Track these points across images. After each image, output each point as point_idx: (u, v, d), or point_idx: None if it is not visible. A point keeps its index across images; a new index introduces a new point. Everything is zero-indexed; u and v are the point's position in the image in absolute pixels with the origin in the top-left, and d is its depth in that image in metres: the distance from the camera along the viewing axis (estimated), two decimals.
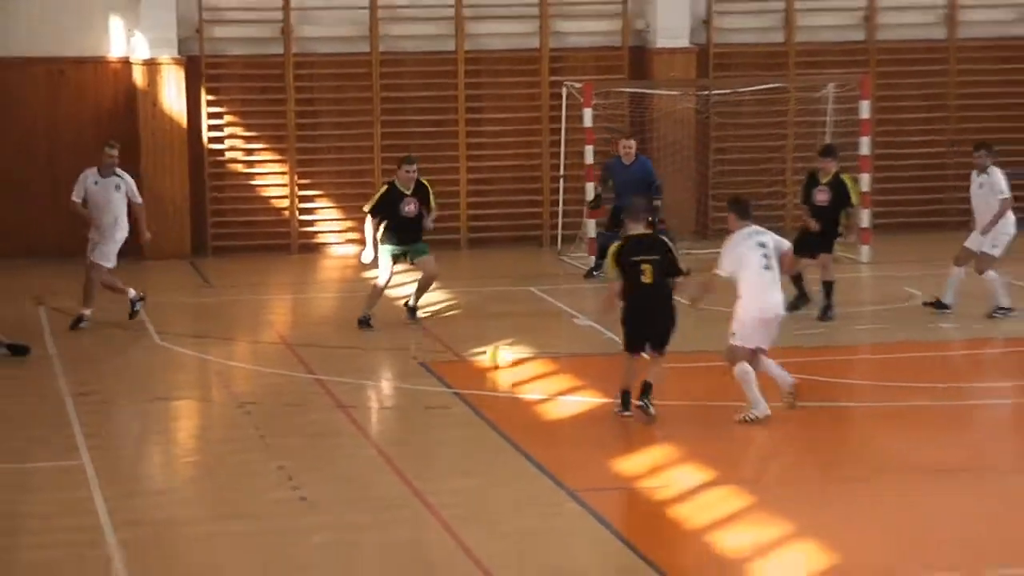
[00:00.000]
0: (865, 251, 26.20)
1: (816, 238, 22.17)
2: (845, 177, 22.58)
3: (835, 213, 22.26)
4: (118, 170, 22.42)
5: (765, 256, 17.07)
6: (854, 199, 22.54)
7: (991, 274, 22.09)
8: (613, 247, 17.36)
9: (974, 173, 22.64)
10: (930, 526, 14.23)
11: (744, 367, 16.95)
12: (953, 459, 16.05)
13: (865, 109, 26.62)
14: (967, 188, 29.21)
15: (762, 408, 16.87)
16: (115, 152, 22.41)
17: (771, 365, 17.18)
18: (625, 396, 17.20)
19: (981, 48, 29.70)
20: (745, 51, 29.17)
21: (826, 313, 22.02)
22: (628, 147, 25.37)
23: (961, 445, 16.55)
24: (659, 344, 17.26)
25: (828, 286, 22.12)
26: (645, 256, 17.06)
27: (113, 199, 22.21)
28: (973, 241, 22.38)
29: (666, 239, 17.75)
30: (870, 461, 16.15)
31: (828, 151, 23.01)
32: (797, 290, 22.19)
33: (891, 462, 15.94)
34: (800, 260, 21.85)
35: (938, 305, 22.25)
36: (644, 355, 17.36)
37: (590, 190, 26.13)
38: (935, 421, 17.44)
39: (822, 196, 22.34)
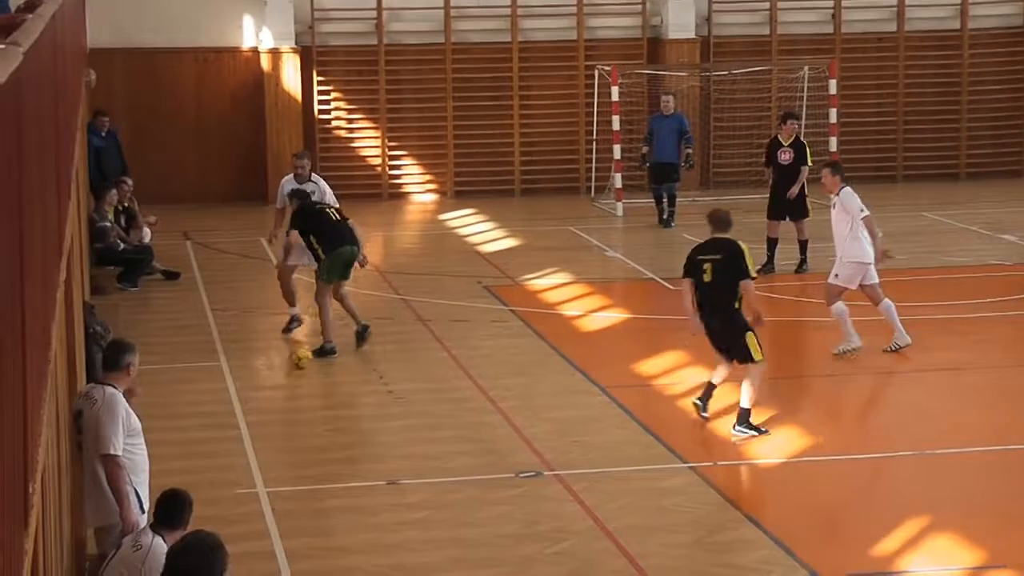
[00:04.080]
0: (833, 198, 25.80)
1: (791, 203, 20.25)
2: (804, 140, 21.06)
3: (796, 170, 20.42)
4: (314, 175, 18.13)
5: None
6: (809, 160, 20.62)
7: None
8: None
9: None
10: (883, 416, 14.04)
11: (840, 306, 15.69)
12: (904, 363, 15.83)
13: (833, 87, 26.25)
14: (917, 152, 29.17)
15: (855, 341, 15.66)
16: (304, 162, 18.02)
17: None
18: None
19: (924, 39, 29.24)
20: (738, 41, 28.87)
21: (801, 267, 20.34)
22: (667, 101, 25.04)
23: (912, 352, 16.27)
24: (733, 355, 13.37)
25: (804, 244, 20.44)
26: (709, 256, 13.43)
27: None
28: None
29: (739, 244, 13.53)
30: (843, 363, 15.90)
31: (790, 115, 21.37)
32: (769, 255, 20.25)
33: (852, 365, 15.70)
34: (779, 224, 20.32)
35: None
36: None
37: (617, 151, 25.88)
38: (890, 332, 17.19)
39: (786, 156, 20.50)
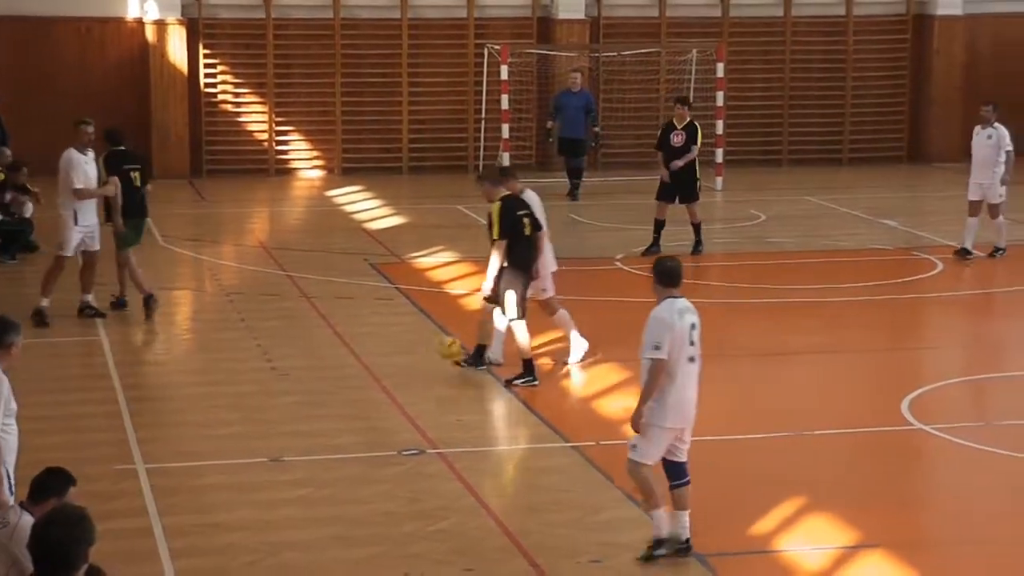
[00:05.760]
0: (719, 181, 26.10)
1: (681, 187, 20.38)
2: (696, 124, 20.98)
3: (687, 151, 20.36)
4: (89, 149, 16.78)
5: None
6: (699, 141, 20.57)
7: (1002, 219, 20.00)
8: (497, 206, 14.16)
9: (978, 127, 20.18)
10: (760, 397, 14.21)
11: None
12: (782, 345, 16.03)
13: (720, 70, 26.50)
14: (802, 136, 29.50)
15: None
16: (92, 128, 16.81)
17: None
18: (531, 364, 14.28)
19: (810, 24, 29.59)
20: (628, 23, 28.99)
21: (697, 249, 20.39)
22: (575, 79, 25.25)
23: (791, 334, 16.51)
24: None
25: (697, 227, 20.47)
26: (526, 211, 14.29)
27: (93, 177, 16.70)
28: (975, 192, 20.05)
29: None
30: (726, 345, 16.04)
31: (684, 100, 21.47)
32: (655, 237, 20.33)
33: (731, 346, 15.86)
34: (667, 206, 20.32)
35: (963, 252, 20.01)
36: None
37: (505, 130, 25.96)
38: (770, 314, 17.41)
39: (678, 138, 20.53)
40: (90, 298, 16.74)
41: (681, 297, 10.06)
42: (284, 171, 28.00)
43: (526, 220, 14.15)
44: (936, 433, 12.82)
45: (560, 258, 19.91)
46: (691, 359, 9.95)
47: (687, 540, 10.08)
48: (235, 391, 14.10)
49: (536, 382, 14.14)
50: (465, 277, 19.04)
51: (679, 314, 9.90)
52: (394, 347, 15.70)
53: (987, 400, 14.51)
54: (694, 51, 27.76)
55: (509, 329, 14.37)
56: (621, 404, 13.57)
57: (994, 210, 20.10)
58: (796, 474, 11.84)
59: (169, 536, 10.46)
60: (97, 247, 16.75)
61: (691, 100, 22.08)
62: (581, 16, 28.44)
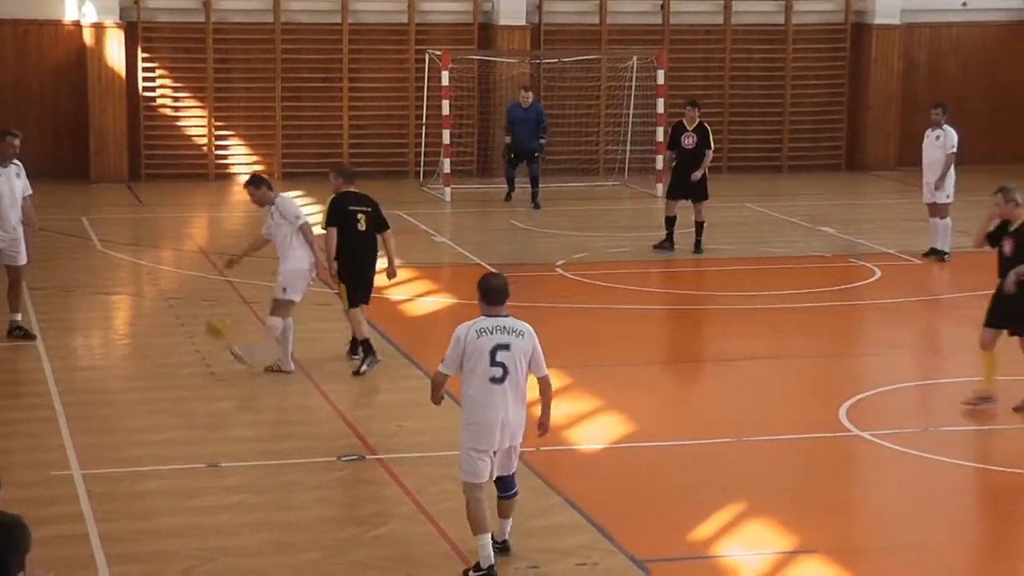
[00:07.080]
0: (660, 188, 26.17)
1: (693, 185, 20.89)
2: (706, 125, 21.34)
3: (700, 154, 20.95)
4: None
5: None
6: (712, 144, 21.17)
7: (948, 221, 20.34)
8: (330, 199, 14.70)
9: (928, 130, 20.71)
10: (698, 403, 14.25)
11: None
12: (721, 352, 16.10)
13: (660, 77, 26.59)
14: (741, 144, 29.65)
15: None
16: (18, 141, 15.72)
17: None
18: (362, 344, 14.73)
19: (750, 32, 29.77)
20: (568, 29, 29.08)
21: (698, 247, 21.02)
22: (526, 96, 25.55)
23: (729, 340, 16.58)
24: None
25: (700, 226, 21.04)
26: (362, 207, 14.74)
27: (16, 190, 15.74)
28: (928, 194, 20.63)
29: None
30: (666, 351, 16.12)
31: (694, 103, 21.60)
32: (668, 233, 21.07)
33: (682, 352, 15.94)
34: (676, 203, 21.05)
35: (932, 253, 20.57)
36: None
37: (447, 136, 25.94)
38: (709, 321, 17.48)
39: (689, 140, 20.97)
40: (19, 318, 15.90)
41: (502, 316, 9.76)
42: (223, 175, 27.87)
43: (360, 216, 14.68)
44: (873, 439, 12.90)
45: (501, 264, 20.03)
46: (494, 379, 9.69)
47: (504, 540, 10.17)
48: (173, 396, 14.01)
49: (380, 360, 14.70)
50: (405, 283, 18.99)
51: (480, 332, 9.64)
52: (333, 352, 15.64)
53: (924, 406, 14.63)
54: (635, 58, 27.86)
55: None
56: (561, 410, 13.57)
57: (942, 210, 20.43)
58: (735, 480, 11.88)
59: (105, 542, 10.36)
60: (20, 262, 15.83)
61: (698, 104, 21.91)
62: (522, 22, 28.48)
